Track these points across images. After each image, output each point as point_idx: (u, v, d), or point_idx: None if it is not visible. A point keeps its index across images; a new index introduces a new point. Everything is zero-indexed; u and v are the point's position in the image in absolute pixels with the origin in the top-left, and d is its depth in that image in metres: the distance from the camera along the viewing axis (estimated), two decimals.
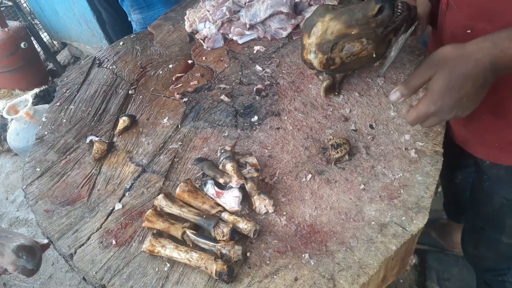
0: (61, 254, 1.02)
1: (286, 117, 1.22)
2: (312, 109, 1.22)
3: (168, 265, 0.91)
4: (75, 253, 0.98)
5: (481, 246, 1.36)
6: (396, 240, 0.88)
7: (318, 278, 0.84)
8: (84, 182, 1.15)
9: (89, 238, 1.01)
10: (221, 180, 1.00)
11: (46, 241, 1.00)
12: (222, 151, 1.08)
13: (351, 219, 0.93)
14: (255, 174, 1.01)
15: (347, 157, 1.05)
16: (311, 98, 1.25)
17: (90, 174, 1.17)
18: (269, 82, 1.35)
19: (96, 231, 1.02)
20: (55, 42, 4.35)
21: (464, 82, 0.76)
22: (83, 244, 1.00)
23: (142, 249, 0.93)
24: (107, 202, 1.09)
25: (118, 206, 1.06)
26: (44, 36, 4.09)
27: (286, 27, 1.52)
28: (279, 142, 1.15)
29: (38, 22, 4.16)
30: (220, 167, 1.04)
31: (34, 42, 3.80)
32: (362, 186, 0.99)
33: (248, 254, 0.90)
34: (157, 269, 0.91)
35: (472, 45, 0.77)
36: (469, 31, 0.93)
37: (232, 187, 0.98)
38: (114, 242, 0.98)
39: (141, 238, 0.98)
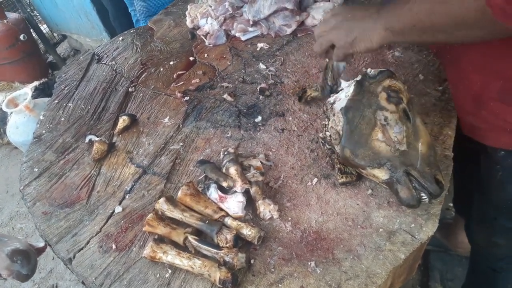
0: (60, 258, 1.00)
1: (291, 118, 1.18)
2: (317, 109, 1.18)
3: (170, 271, 0.89)
4: (74, 257, 0.96)
5: (495, 236, 1.34)
6: (405, 248, 0.86)
7: (325, 287, 0.81)
8: (83, 184, 1.12)
9: (88, 242, 0.98)
10: (224, 184, 0.97)
11: (41, 244, 0.97)
12: (225, 153, 1.05)
13: (359, 226, 0.91)
14: (260, 178, 0.98)
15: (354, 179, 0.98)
16: (316, 98, 1.21)
17: (90, 175, 1.14)
18: (273, 81, 1.32)
19: (96, 234, 0.99)
20: (54, 34, 4.29)
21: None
22: (82, 248, 0.97)
23: (143, 255, 0.90)
24: (106, 205, 1.06)
25: (118, 209, 1.04)
26: (44, 28, 4.04)
27: (290, 24, 1.48)
28: (283, 144, 1.12)
29: (37, 14, 4.11)
30: (224, 170, 1.01)
31: (34, 34, 3.76)
32: (370, 191, 0.96)
33: (252, 261, 0.88)
34: (158, 275, 0.89)
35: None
36: None
37: (236, 191, 0.95)
38: (114, 246, 0.96)
39: (141, 243, 0.96)
